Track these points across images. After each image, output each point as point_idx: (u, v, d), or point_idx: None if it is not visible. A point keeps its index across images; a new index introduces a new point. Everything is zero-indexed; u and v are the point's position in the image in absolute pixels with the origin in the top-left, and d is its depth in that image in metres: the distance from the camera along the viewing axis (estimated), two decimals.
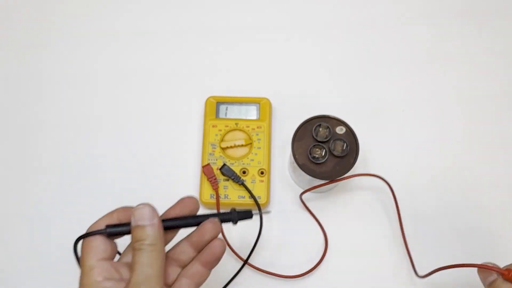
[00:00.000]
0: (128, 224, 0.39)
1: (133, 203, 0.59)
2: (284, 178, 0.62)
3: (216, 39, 0.70)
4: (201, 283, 0.41)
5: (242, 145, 0.60)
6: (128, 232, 0.39)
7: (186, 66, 0.68)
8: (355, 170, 0.54)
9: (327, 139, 0.53)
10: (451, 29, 0.70)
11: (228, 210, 0.42)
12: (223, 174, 0.58)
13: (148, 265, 0.36)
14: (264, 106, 0.62)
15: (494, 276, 0.44)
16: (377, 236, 0.58)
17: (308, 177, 0.53)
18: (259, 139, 0.61)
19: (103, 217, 0.40)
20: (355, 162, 0.53)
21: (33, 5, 0.72)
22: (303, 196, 0.58)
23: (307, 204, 0.59)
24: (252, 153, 0.60)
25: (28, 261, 0.58)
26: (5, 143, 0.64)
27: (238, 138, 0.61)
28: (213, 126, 0.61)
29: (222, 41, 0.70)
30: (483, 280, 0.45)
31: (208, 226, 0.40)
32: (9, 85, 0.68)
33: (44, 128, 0.65)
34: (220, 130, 0.61)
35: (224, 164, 0.59)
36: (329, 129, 0.54)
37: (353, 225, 0.59)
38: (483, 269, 0.45)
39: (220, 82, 0.66)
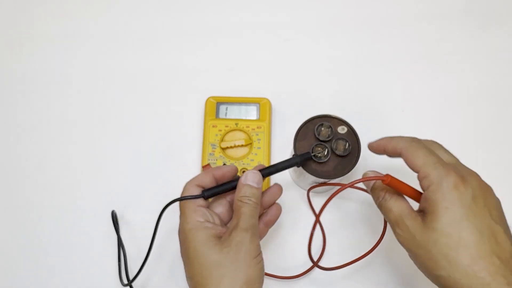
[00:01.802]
0: (220, 185, 0.47)
1: (133, 203, 0.60)
2: (284, 178, 0.61)
3: (216, 39, 0.70)
4: (261, 238, 0.50)
5: (242, 145, 0.60)
6: (221, 192, 0.47)
7: (186, 66, 0.68)
8: (357, 169, 0.54)
9: (329, 138, 0.53)
10: (451, 29, 0.70)
11: (290, 157, 0.51)
12: None
13: (251, 216, 0.44)
14: (264, 106, 0.62)
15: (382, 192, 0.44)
16: (374, 236, 0.58)
17: (309, 176, 0.53)
18: (259, 139, 0.61)
19: (199, 175, 0.48)
20: (357, 161, 0.53)
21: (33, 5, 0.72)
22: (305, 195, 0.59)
23: (307, 203, 0.59)
24: (252, 153, 0.60)
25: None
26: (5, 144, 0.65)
27: (238, 138, 0.61)
28: (213, 126, 0.61)
29: (222, 41, 0.70)
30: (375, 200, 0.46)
31: (275, 189, 0.50)
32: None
33: (44, 128, 0.65)
34: (220, 130, 0.61)
35: (224, 164, 0.58)
36: (331, 128, 0.53)
37: (350, 225, 0.59)
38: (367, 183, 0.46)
39: (220, 82, 0.66)
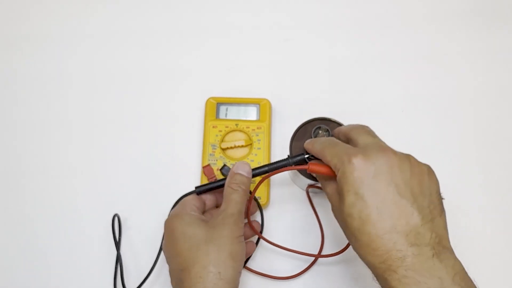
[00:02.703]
0: (211, 183, 0.52)
1: (133, 203, 0.60)
2: (283, 179, 0.62)
3: (216, 39, 0.70)
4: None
5: (242, 146, 0.61)
6: (212, 188, 0.52)
7: (187, 67, 0.68)
8: None
9: None
10: (451, 29, 0.70)
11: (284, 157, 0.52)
12: (223, 174, 0.59)
13: (239, 202, 0.48)
14: (264, 107, 0.63)
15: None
16: None
17: (303, 177, 0.53)
18: (259, 140, 0.61)
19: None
20: None
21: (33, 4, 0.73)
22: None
23: (306, 202, 0.60)
24: (252, 154, 0.61)
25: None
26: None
27: (238, 138, 0.61)
28: (213, 127, 0.62)
29: (222, 41, 0.70)
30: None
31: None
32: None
33: (43, 128, 0.65)
34: (220, 131, 0.61)
35: (225, 165, 0.59)
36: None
37: None
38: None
39: (220, 83, 0.67)
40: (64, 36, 0.70)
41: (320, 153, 0.46)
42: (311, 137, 0.53)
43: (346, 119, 0.55)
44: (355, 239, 0.41)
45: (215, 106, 0.63)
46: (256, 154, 0.61)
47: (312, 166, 0.46)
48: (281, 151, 0.63)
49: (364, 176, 0.40)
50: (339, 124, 0.55)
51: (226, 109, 0.63)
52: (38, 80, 0.68)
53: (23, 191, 0.62)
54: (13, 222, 0.61)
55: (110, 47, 0.70)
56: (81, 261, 0.59)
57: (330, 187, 0.46)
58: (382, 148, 0.43)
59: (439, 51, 0.69)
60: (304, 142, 0.54)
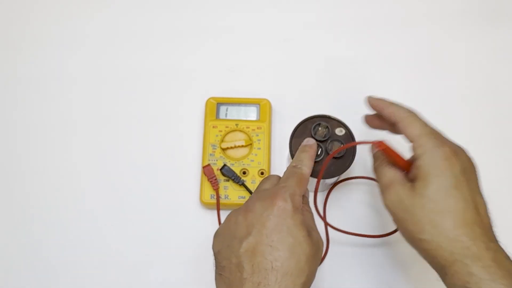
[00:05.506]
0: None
1: (133, 203, 0.60)
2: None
3: (216, 39, 0.70)
4: None
5: (242, 146, 0.61)
6: None
7: (187, 67, 0.68)
8: (352, 171, 0.54)
9: (325, 138, 0.53)
10: (452, 29, 0.70)
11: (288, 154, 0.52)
12: (223, 174, 0.59)
13: (307, 165, 0.47)
14: (264, 107, 0.63)
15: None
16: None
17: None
18: (259, 140, 0.61)
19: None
20: (350, 165, 0.52)
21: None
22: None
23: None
24: (252, 154, 0.60)
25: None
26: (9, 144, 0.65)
27: (238, 138, 0.61)
28: (213, 127, 0.62)
29: (222, 41, 0.70)
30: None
31: None
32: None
33: (44, 129, 0.65)
34: (220, 131, 0.61)
35: (225, 165, 0.59)
36: (329, 129, 0.53)
37: (352, 224, 0.59)
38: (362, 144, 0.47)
39: (220, 83, 0.67)
40: (64, 37, 0.70)
41: (404, 120, 0.45)
42: (311, 134, 0.53)
43: (346, 119, 0.55)
44: (432, 226, 0.40)
45: (215, 106, 0.63)
46: (256, 154, 0.60)
47: (388, 148, 0.44)
48: (281, 151, 0.63)
49: (455, 167, 0.41)
50: (339, 122, 0.54)
51: (226, 109, 0.63)
52: (39, 81, 0.68)
53: (23, 193, 0.62)
54: (14, 224, 0.61)
55: (109, 48, 0.70)
56: (80, 262, 0.59)
57: (395, 171, 0.45)
58: (461, 148, 0.45)
59: (439, 51, 0.69)
60: (304, 138, 0.52)
